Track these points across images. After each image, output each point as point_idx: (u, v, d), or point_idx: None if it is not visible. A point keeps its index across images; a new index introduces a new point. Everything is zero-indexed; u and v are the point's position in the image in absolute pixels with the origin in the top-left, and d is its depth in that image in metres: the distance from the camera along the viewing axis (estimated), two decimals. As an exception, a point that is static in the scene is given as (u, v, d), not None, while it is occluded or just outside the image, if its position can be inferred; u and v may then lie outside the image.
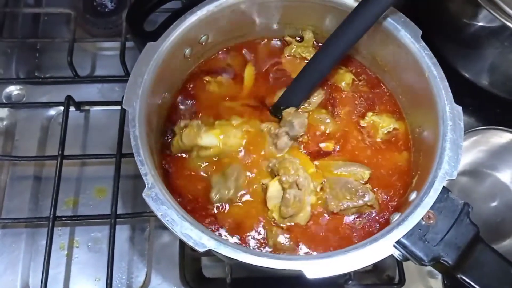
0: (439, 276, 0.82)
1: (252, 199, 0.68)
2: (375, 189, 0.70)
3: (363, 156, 0.72)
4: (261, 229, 0.66)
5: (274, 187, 0.66)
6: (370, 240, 0.57)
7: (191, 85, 0.77)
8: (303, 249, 0.66)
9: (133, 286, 0.81)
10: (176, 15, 0.71)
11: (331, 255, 0.56)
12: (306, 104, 0.75)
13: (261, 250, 0.65)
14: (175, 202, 0.58)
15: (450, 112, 0.64)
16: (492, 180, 0.91)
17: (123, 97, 0.65)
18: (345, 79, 0.78)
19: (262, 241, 0.66)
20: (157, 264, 0.81)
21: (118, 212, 0.79)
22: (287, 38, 0.82)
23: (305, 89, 0.73)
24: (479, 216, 0.85)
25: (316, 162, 0.70)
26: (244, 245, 0.65)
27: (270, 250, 0.65)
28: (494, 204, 0.89)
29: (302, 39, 0.82)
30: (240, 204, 0.67)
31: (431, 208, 0.58)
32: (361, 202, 0.67)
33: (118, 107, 0.87)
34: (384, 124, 0.74)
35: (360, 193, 0.67)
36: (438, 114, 0.64)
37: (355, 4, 0.71)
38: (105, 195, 0.86)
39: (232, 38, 0.80)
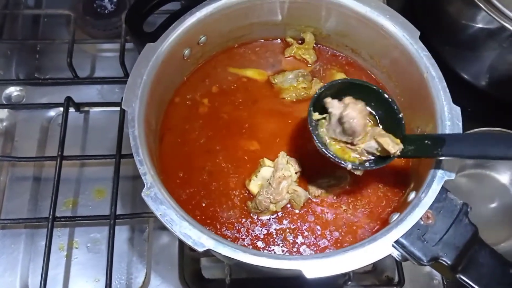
0: (439, 276, 0.82)
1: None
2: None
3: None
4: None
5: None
6: (369, 240, 0.57)
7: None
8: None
9: (132, 287, 0.81)
10: (175, 17, 0.71)
11: (330, 255, 0.56)
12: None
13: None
14: (174, 202, 0.59)
15: (449, 112, 0.64)
16: (491, 181, 0.91)
17: (122, 98, 0.65)
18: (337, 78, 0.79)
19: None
20: (156, 265, 0.81)
21: (118, 212, 0.79)
22: (289, 39, 0.82)
23: None
24: (478, 217, 0.85)
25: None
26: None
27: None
28: (493, 205, 0.90)
29: (303, 41, 0.82)
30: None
31: (430, 208, 0.58)
32: (341, 185, 0.70)
33: (118, 108, 0.88)
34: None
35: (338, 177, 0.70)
36: (437, 115, 0.65)
37: (356, 7, 0.72)
38: (105, 196, 0.86)
39: (231, 39, 0.80)
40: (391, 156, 0.62)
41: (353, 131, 0.62)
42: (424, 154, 0.62)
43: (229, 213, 0.69)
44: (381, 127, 0.65)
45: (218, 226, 0.68)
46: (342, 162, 0.63)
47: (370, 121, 0.66)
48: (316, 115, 0.65)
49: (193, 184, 0.70)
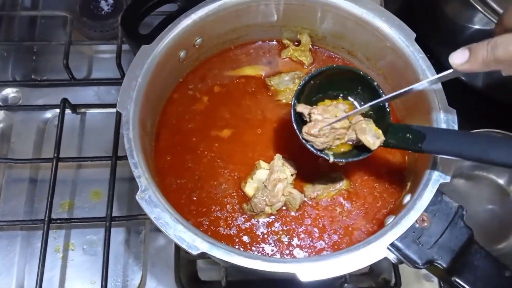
0: (435, 279, 0.82)
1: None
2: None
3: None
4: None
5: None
6: (364, 243, 0.57)
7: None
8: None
9: (128, 289, 0.81)
10: (171, 18, 0.71)
11: (325, 258, 0.56)
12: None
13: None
14: (168, 205, 0.58)
15: (444, 115, 0.64)
16: (488, 183, 0.91)
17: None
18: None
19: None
20: (153, 267, 0.81)
21: (114, 214, 0.79)
22: (285, 41, 0.82)
23: None
24: (475, 218, 0.85)
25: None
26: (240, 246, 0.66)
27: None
28: (490, 206, 0.89)
29: (299, 43, 0.82)
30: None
31: (425, 210, 0.58)
32: (337, 187, 0.71)
33: (114, 110, 0.86)
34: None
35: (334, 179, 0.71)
36: (432, 118, 0.64)
37: (351, 9, 0.72)
38: (101, 198, 0.86)
39: (227, 41, 0.80)
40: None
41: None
42: (405, 147, 0.62)
43: (224, 212, 0.69)
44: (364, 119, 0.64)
45: (213, 224, 0.68)
46: (323, 154, 0.63)
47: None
48: (301, 106, 0.64)
49: (188, 180, 0.71)
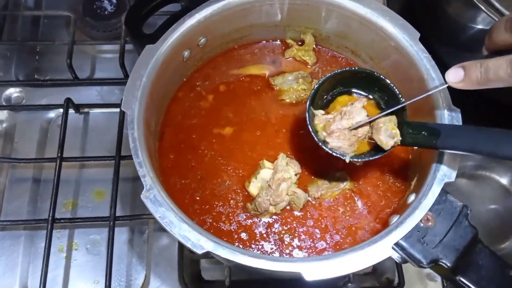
0: (439, 278, 0.82)
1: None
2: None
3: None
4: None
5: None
6: (369, 242, 0.57)
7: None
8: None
9: (132, 289, 0.81)
10: (175, 18, 0.71)
11: (329, 257, 0.56)
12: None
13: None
14: (173, 204, 0.59)
15: (449, 114, 0.64)
16: (491, 183, 0.91)
17: (122, 99, 0.65)
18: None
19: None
20: (156, 266, 0.81)
21: (117, 214, 0.79)
22: (289, 41, 0.82)
23: None
24: (477, 218, 0.86)
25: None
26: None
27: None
28: (493, 206, 0.90)
29: (303, 42, 0.82)
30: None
31: (430, 210, 0.58)
32: (341, 186, 0.71)
33: (117, 110, 0.88)
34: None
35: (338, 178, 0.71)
36: (437, 117, 0.65)
37: (355, 8, 0.72)
38: (104, 197, 0.86)
39: (231, 41, 0.80)
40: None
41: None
42: (421, 144, 0.62)
43: (227, 208, 0.69)
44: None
45: (216, 220, 0.68)
46: (340, 155, 0.63)
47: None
48: (316, 113, 0.64)
49: (192, 180, 0.71)
